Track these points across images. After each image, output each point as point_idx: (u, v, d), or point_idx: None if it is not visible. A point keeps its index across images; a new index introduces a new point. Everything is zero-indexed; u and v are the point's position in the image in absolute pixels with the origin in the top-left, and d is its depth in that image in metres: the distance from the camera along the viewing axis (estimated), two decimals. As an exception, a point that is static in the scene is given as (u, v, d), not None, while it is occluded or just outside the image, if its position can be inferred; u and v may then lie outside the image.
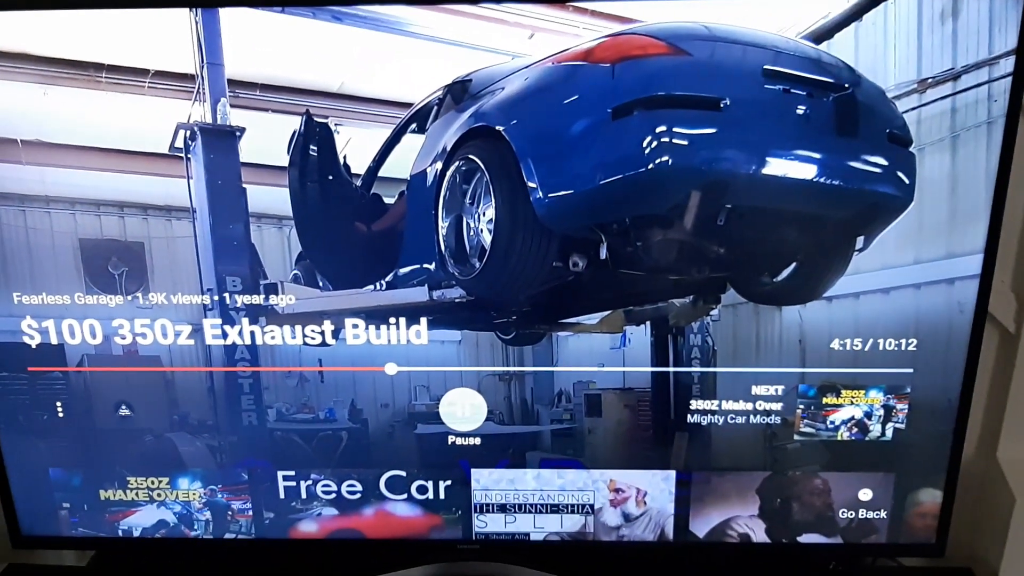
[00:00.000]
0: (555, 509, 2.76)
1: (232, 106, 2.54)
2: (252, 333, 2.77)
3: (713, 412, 2.77)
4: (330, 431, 3.80)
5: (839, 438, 2.61)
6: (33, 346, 2.68)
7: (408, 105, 2.57)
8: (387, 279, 2.72)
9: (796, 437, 2.81)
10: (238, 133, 2.57)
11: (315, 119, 2.63)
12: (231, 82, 2.50)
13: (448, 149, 2.23)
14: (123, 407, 2.92)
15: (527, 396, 3.00)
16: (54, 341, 2.73)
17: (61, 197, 2.65)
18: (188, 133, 2.59)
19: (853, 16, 1.94)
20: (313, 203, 2.74)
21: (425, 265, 2.49)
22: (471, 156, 2.14)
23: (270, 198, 2.74)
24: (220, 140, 2.58)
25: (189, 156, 2.63)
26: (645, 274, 2.29)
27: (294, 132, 2.69)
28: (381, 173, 2.75)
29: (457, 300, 2.48)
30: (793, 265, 2.29)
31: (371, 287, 2.75)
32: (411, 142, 2.57)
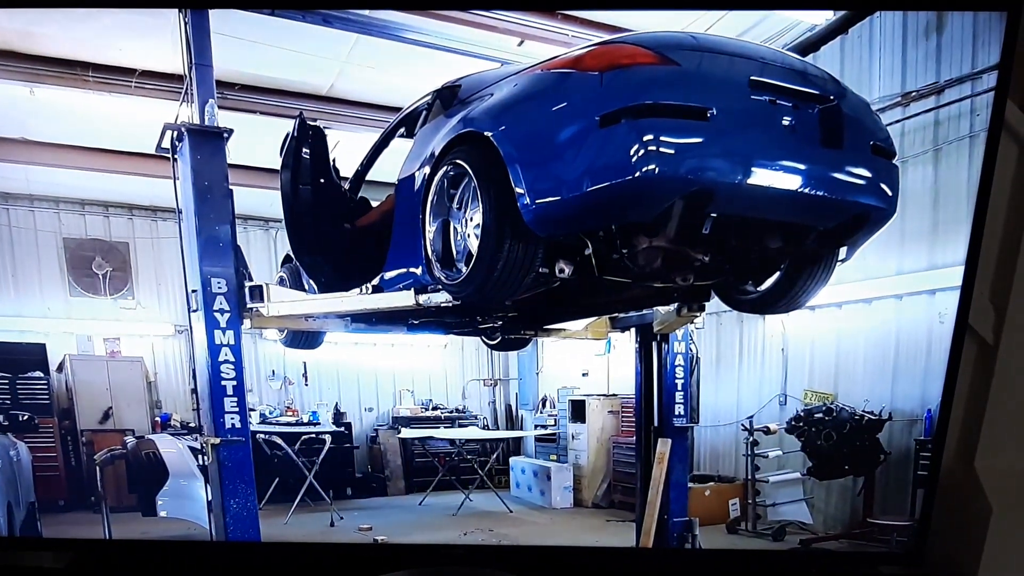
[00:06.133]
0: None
1: (220, 107, 2.52)
2: (236, 335, 2.67)
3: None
4: (314, 434, 3.80)
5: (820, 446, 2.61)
6: (14, 346, 2.62)
7: (397, 109, 2.61)
8: (373, 283, 2.67)
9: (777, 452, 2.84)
10: (226, 135, 2.55)
11: (308, 122, 2.64)
12: (219, 83, 2.49)
13: (436, 154, 2.18)
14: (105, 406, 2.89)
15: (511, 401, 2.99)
16: (35, 340, 2.68)
17: (46, 196, 2.62)
18: (175, 134, 2.57)
19: (839, 29, 1.93)
20: (304, 206, 2.72)
21: (411, 269, 2.44)
22: (459, 161, 2.09)
23: (257, 200, 2.76)
24: (207, 141, 2.54)
25: (176, 157, 2.61)
26: (630, 281, 2.25)
27: (287, 135, 2.70)
28: (369, 176, 2.76)
29: (443, 304, 2.41)
30: (777, 274, 2.27)
31: (357, 291, 2.70)
32: (400, 146, 2.54)
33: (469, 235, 2.13)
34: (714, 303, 2.55)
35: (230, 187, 2.57)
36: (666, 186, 1.78)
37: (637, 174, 1.74)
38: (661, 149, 1.74)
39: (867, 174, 1.94)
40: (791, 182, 1.88)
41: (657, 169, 1.74)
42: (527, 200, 1.90)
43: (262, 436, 3.48)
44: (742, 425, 3.30)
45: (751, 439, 3.29)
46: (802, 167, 1.88)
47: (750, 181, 1.83)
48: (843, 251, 2.15)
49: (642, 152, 1.73)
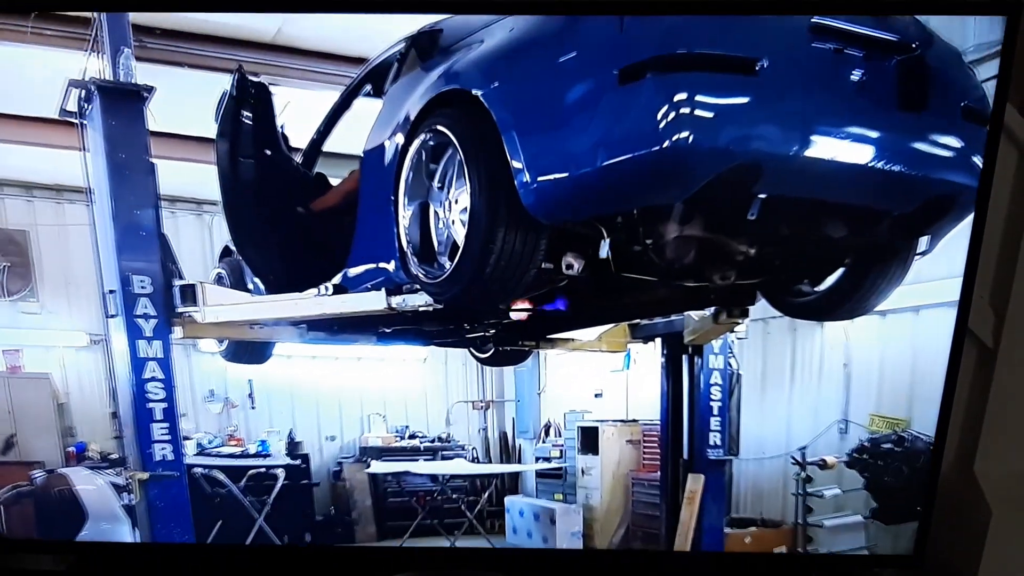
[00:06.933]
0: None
1: (138, 59, 2.47)
2: (164, 346, 2.69)
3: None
4: (263, 468, 3.79)
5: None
6: None
7: (362, 61, 2.58)
8: (334, 281, 2.66)
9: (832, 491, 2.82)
10: (146, 94, 2.51)
11: (249, 77, 2.60)
12: (136, 28, 2.43)
13: (412, 119, 2.14)
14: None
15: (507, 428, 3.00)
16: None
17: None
18: (82, 93, 2.53)
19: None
20: (246, 184, 2.70)
21: (382, 265, 2.41)
22: (440, 128, 2.05)
23: (187, 177, 2.71)
24: (123, 102, 2.50)
25: (84, 122, 2.57)
26: (656, 280, 2.22)
27: (223, 94, 2.67)
28: (327, 147, 2.73)
29: (422, 308, 2.40)
30: (840, 271, 2.25)
31: (315, 291, 2.70)
32: (365, 109, 2.52)
33: (454, 222, 2.11)
34: (760, 307, 2.52)
35: (153, 161, 2.54)
36: (703, 159, 1.74)
37: (666, 144, 1.69)
38: (697, 112, 1.69)
39: (956, 144, 1.91)
40: (860, 154, 1.84)
41: (692, 137, 1.69)
42: (527, 178, 1.87)
43: (200, 470, 3.50)
44: (792, 458, 3.30)
45: (803, 475, 3.28)
46: (875, 135, 1.84)
47: (808, 153, 1.79)
48: (923, 241, 2.13)
49: (673, 116, 1.68)
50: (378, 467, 4.00)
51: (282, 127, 2.71)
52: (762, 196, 1.83)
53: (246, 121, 2.60)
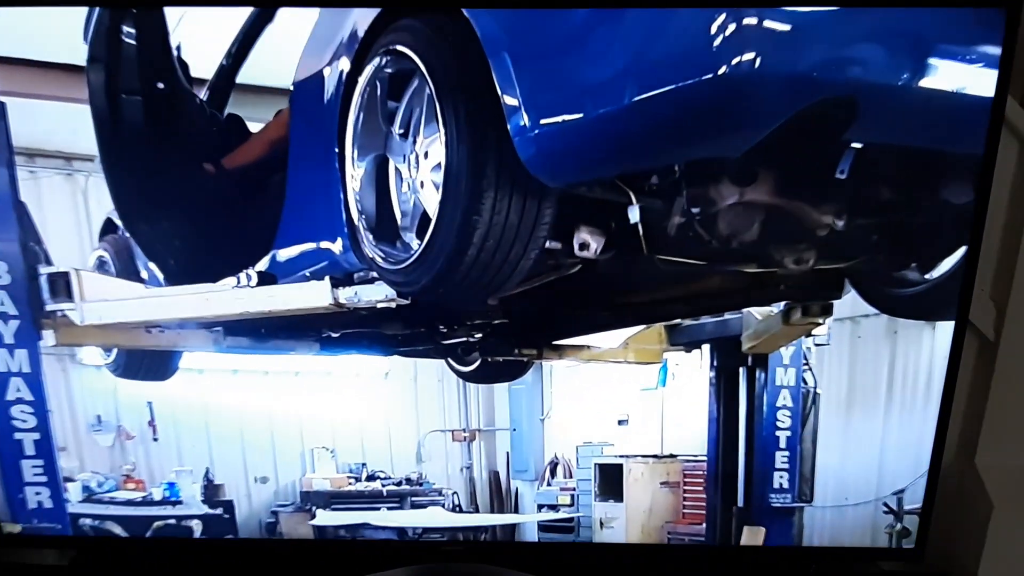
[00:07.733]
0: None
1: None
2: (32, 357, 2.68)
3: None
4: (173, 519, 3.74)
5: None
6: None
7: None
8: (260, 267, 2.65)
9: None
10: None
11: None
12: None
13: (360, 35, 2.07)
14: None
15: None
16: None
17: None
18: None
19: None
20: (132, 130, 2.67)
21: (324, 244, 2.38)
22: (402, 48, 1.97)
23: (49, 121, 2.74)
24: None
25: None
26: (704, 263, 2.16)
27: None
28: (242, 78, 2.74)
29: (381, 305, 2.37)
30: (960, 251, 2.22)
31: (233, 281, 2.69)
32: (292, 24, 2.51)
33: (423, 184, 2.06)
34: (848, 301, 2.48)
35: (1, 99, 2.46)
36: (775, 92, 1.66)
37: (723, 70, 1.61)
38: (767, 23, 1.61)
39: None
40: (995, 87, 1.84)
41: (759, 60, 1.61)
42: (525, 120, 1.80)
43: (89, 522, 3.31)
44: (885, 504, 3.16)
45: (898, 527, 3.12)
46: (1016, 59, 1.81)
47: (924, 83, 1.70)
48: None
49: (733, 29, 1.60)
50: (326, 518, 3.94)
51: (178, 49, 2.61)
52: (857, 146, 1.78)
53: (127, 40, 2.51)
